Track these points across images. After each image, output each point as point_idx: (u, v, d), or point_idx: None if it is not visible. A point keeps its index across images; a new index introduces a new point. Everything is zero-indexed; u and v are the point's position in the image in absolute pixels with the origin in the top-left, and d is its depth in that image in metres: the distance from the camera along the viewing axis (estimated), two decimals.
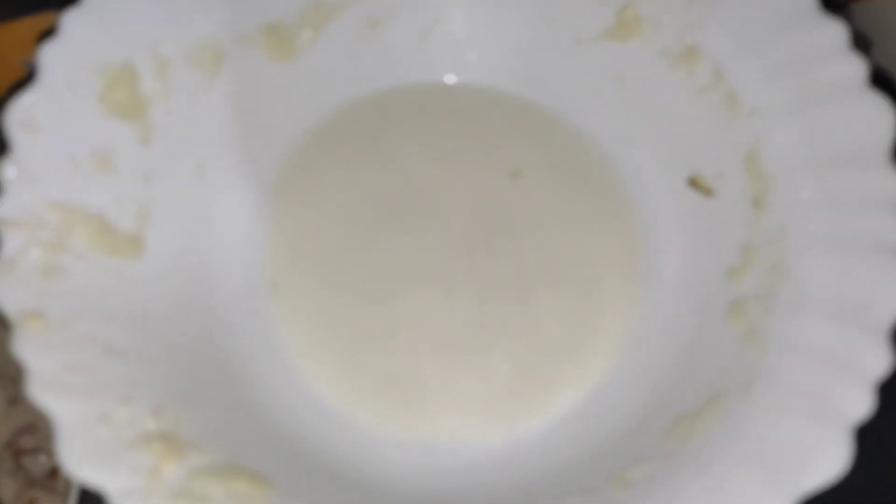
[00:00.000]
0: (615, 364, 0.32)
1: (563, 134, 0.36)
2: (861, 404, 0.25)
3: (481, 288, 0.33)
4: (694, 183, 0.33)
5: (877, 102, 0.27)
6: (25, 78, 0.28)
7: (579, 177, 0.35)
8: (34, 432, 0.32)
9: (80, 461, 0.24)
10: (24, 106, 0.28)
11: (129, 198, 0.30)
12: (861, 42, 0.34)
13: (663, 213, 0.34)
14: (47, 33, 0.29)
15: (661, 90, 0.33)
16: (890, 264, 0.26)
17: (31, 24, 0.35)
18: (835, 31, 0.29)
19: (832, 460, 0.24)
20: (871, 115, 0.27)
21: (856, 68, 0.28)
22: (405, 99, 0.36)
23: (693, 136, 0.33)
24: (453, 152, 0.36)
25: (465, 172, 0.35)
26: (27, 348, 0.25)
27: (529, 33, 0.35)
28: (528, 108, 0.36)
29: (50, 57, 0.28)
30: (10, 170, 0.27)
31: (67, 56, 0.29)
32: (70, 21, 0.29)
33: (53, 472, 0.31)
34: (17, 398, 0.32)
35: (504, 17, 0.35)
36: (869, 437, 0.25)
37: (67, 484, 0.31)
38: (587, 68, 0.35)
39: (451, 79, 0.37)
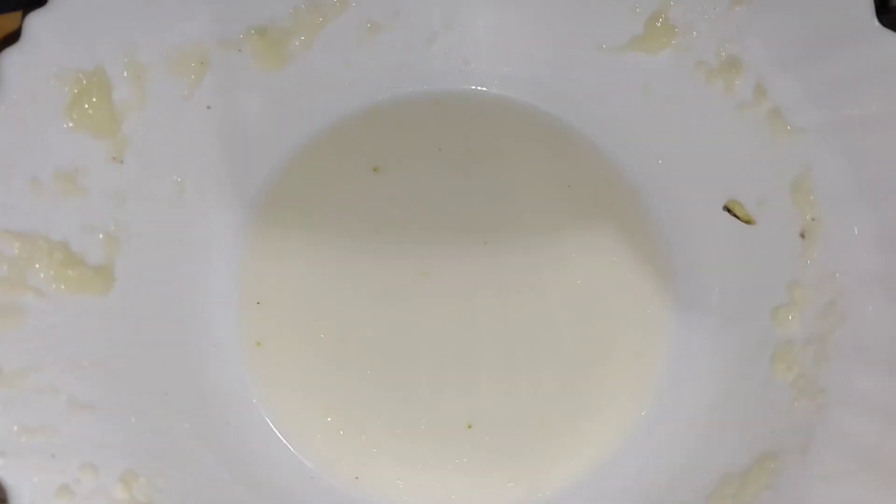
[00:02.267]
0: (640, 416, 0.29)
1: (583, 152, 0.33)
2: None
3: (485, 333, 0.30)
4: (731, 210, 0.30)
5: None
6: None
7: (598, 198, 0.32)
8: None
9: None
10: None
11: (98, 224, 0.27)
12: None
13: (697, 243, 0.31)
14: (9, 38, 0.25)
15: (694, 106, 0.30)
16: None
17: None
18: (893, 46, 0.26)
19: None
20: None
21: None
22: (406, 111, 0.33)
23: (731, 158, 0.30)
24: (457, 170, 0.33)
25: (470, 194, 0.32)
26: None
27: (547, 40, 0.32)
28: (545, 123, 0.33)
29: (11, 65, 0.25)
30: None
31: (31, 64, 0.25)
32: (35, 24, 0.25)
33: None
34: None
35: (520, 21, 0.32)
36: None
37: None
38: (611, 80, 0.32)
39: (458, 89, 0.33)
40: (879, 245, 0.26)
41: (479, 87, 0.34)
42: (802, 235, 0.27)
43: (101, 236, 0.27)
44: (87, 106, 0.26)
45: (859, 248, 0.26)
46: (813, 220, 0.27)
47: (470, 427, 0.30)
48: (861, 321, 0.25)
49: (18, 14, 0.31)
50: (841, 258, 0.26)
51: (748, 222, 0.30)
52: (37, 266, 0.25)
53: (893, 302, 0.25)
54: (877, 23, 0.26)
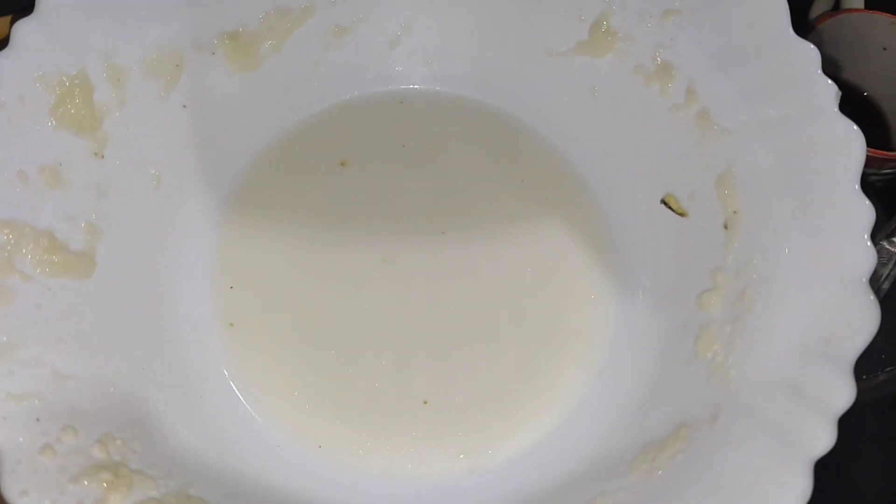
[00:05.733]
0: (580, 393, 0.31)
1: (535, 148, 0.35)
2: (824, 439, 0.24)
3: (442, 316, 0.32)
4: (667, 203, 0.32)
5: (846, 128, 0.27)
6: None
7: (548, 192, 0.35)
8: None
9: (21, 494, 0.23)
10: None
11: (81, 213, 0.29)
12: (830, 66, 0.34)
13: (636, 232, 0.33)
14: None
15: (634, 106, 0.33)
16: (857, 296, 0.25)
17: None
18: (807, 53, 0.28)
19: (794, 494, 0.24)
20: (841, 141, 0.27)
21: (826, 92, 0.27)
22: (372, 110, 0.35)
23: (666, 155, 0.32)
24: (419, 165, 0.35)
25: (430, 187, 0.34)
26: None
27: (502, 45, 0.35)
28: (500, 121, 0.35)
29: (0, 69, 0.27)
30: None
31: (19, 67, 0.27)
32: (22, 31, 0.27)
33: None
34: None
35: (475, 26, 0.34)
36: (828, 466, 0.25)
37: None
38: (559, 81, 0.34)
39: (420, 90, 0.36)
40: (791, 235, 0.28)
41: (438, 88, 0.36)
42: (725, 227, 0.30)
43: (83, 225, 0.29)
44: (70, 106, 0.28)
45: (773, 237, 0.28)
46: (735, 212, 0.30)
47: (426, 403, 0.32)
48: (770, 305, 0.27)
49: (7, 19, 0.33)
50: (756, 247, 0.28)
51: (681, 215, 0.32)
52: (23, 251, 0.27)
53: (802, 288, 0.27)
54: (792, 32, 0.28)
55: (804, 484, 0.24)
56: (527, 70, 0.35)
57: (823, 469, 0.24)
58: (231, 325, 0.32)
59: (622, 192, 0.34)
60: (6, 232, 0.27)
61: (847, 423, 0.24)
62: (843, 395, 0.24)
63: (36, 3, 0.28)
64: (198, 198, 0.33)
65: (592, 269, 0.33)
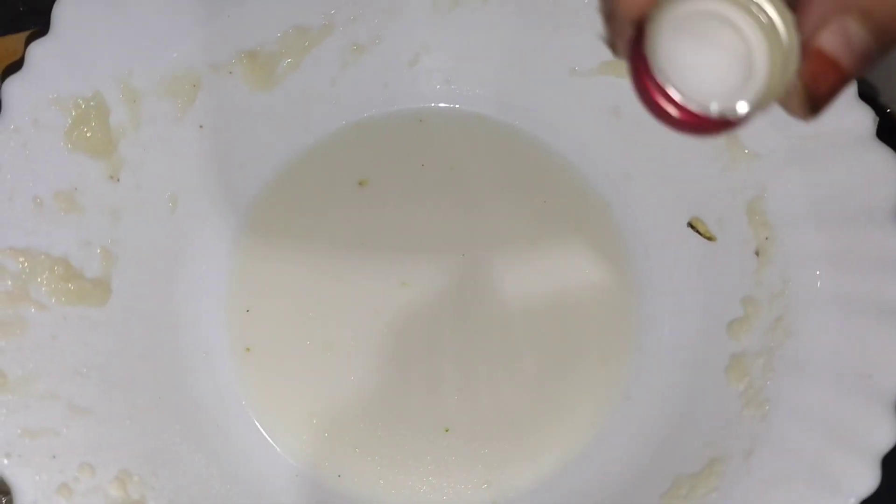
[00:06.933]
0: (605, 420, 0.31)
1: (557, 169, 0.34)
2: (866, 479, 0.23)
3: (463, 342, 0.32)
4: (694, 226, 0.32)
5: (884, 156, 0.26)
6: None
7: (570, 213, 0.34)
8: None
9: None
10: None
11: (96, 239, 0.28)
12: (867, 90, 0.33)
13: (661, 256, 0.32)
14: (12, 66, 0.27)
15: (660, 127, 0.32)
16: (895, 329, 0.25)
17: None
18: None
19: None
20: (878, 170, 0.26)
21: (863, 118, 0.27)
22: (391, 129, 0.35)
23: (692, 179, 0.31)
24: (439, 185, 0.34)
25: (450, 208, 0.34)
26: None
27: (523, 63, 0.34)
28: (522, 141, 0.35)
29: (14, 92, 0.26)
30: None
31: (33, 91, 0.27)
32: (37, 53, 0.27)
33: None
34: None
35: (496, 44, 0.34)
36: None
37: None
38: (582, 101, 0.34)
39: (440, 108, 0.35)
40: (827, 265, 0.27)
41: (459, 107, 0.35)
42: (757, 253, 0.29)
43: (98, 251, 0.28)
44: (85, 129, 0.28)
45: (807, 267, 0.27)
46: (767, 239, 0.29)
47: (447, 430, 0.31)
48: (805, 336, 0.27)
49: (20, 37, 0.33)
50: (790, 276, 0.28)
51: (709, 239, 0.31)
52: (39, 280, 0.26)
53: (838, 319, 0.26)
54: None
55: None
56: (549, 89, 0.34)
57: None
58: (248, 349, 0.32)
59: (646, 215, 0.33)
60: (21, 260, 0.26)
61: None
62: (885, 434, 0.24)
63: (51, 23, 0.27)
64: (213, 219, 0.32)
65: (616, 293, 0.33)
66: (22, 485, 0.23)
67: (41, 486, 0.23)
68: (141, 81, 0.29)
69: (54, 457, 0.24)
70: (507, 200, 0.34)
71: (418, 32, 0.34)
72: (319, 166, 0.34)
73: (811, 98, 0.16)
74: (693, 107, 0.16)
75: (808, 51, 0.16)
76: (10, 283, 0.26)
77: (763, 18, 0.16)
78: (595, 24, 0.31)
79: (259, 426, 0.31)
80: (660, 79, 0.16)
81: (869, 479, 0.23)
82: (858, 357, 0.25)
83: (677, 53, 0.16)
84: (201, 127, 0.31)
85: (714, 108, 0.16)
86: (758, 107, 0.16)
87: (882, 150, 0.26)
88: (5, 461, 0.23)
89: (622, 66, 0.32)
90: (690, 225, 0.32)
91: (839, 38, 0.16)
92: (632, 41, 0.17)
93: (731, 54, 0.16)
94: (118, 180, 0.29)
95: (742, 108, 0.16)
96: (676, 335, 0.31)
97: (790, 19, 0.16)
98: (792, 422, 0.26)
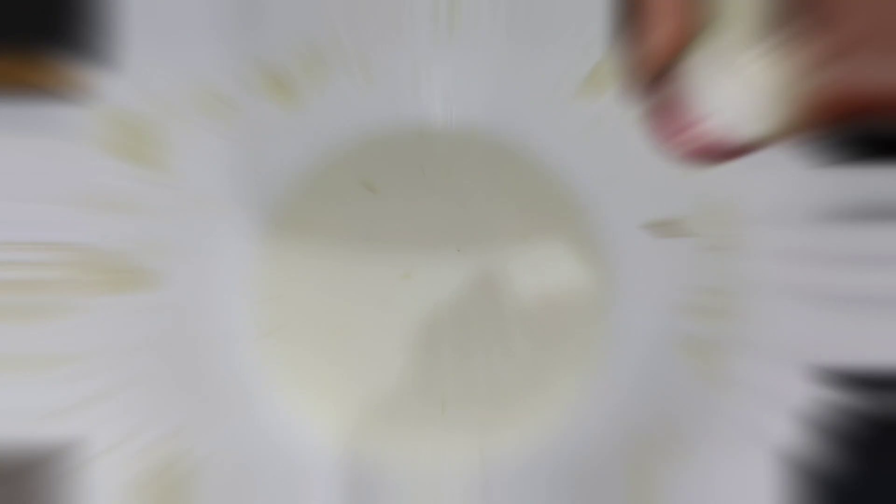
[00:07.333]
0: (583, 393, 0.34)
1: (543, 176, 0.38)
2: (789, 432, 0.27)
3: (459, 329, 0.35)
4: (664, 226, 0.35)
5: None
6: None
7: (554, 215, 0.37)
8: None
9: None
10: None
11: (138, 235, 0.32)
12: None
13: (635, 253, 0.35)
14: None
15: (633, 136, 0.35)
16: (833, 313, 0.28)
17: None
18: None
19: (763, 489, 0.27)
20: (817, 171, 0.30)
21: None
22: (396, 142, 0.38)
23: (667, 182, 0.34)
24: (438, 191, 0.37)
25: (448, 211, 0.37)
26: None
27: (511, 79, 0.37)
28: (510, 151, 0.38)
29: (70, 112, 0.30)
30: None
31: (87, 110, 0.31)
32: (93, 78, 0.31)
33: None
34: None
35: (488, 69, 0.37)
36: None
37: None
38: (568, 114, 0.37)
39: (440, 124, 0.38)
40: (776, 258, 0.31)
41: (455, 121, 0.38)
42: (718, 248, 0.32)
43: (139, 246, 0.32)
44: (128, 140, 0.32)
45: (762, 261, 0.31)
46: (727, 235, 0.32)
47: (444, 404, 0.34)
48: (755, 321, 0.30)
49: (45, 65, 0.36)
50: (747, 268, 0.31)
51: (677, 236, 0.35)
52: (88, 271, 0.30)
53: (785, 307, 0.30)
54: None
55: (773, 478, 0.27)
56: (536, 104, 0.37)
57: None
58: (270, 334, 0.36)
59: (619, 216, 0.36)
60: (73, 254, 0.30)
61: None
62: (806, 395, 0.27)
63: (108, 53, 0.31)
64: (242, 220, 0.35)
65: (591, 285, 0.36)
66: (88, 439, 0.27)
67: (102, 441, 0.27)
68: (179, 97, 0.33)
69: (112, 418, 0.28)
70: (497, 203, 0.37)
71: (422, 62, 0.37)
72: (333, 173, 0.37)
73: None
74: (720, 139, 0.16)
75: None
76: (63, 273, 0.30)
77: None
78: (578, 39, 0.35)
79: (279, 401, 0.34)
80: (696, 116, 0.16)
81: (791, 432, 0.27)
82: (797, 337, 0.29)
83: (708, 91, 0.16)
84: (229, 139, 0.35)
85: (738, 139, 0.16)
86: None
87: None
88: (74, 420, 0.27)
89: (603, 83, 0.36)
90: (660, 224, 0.35)
91: None
92: (653, 86, 0.17)
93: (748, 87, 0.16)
94: (157, 185, 0.33)
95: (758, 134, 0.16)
96: (644, 321, 0.34)
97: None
98: (740, 394, 0.29)
